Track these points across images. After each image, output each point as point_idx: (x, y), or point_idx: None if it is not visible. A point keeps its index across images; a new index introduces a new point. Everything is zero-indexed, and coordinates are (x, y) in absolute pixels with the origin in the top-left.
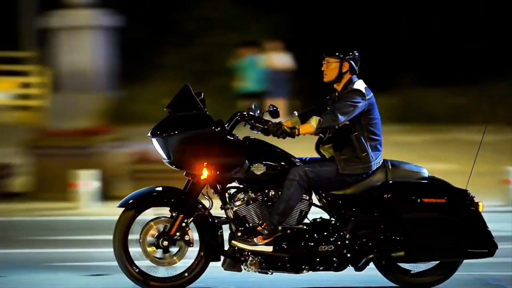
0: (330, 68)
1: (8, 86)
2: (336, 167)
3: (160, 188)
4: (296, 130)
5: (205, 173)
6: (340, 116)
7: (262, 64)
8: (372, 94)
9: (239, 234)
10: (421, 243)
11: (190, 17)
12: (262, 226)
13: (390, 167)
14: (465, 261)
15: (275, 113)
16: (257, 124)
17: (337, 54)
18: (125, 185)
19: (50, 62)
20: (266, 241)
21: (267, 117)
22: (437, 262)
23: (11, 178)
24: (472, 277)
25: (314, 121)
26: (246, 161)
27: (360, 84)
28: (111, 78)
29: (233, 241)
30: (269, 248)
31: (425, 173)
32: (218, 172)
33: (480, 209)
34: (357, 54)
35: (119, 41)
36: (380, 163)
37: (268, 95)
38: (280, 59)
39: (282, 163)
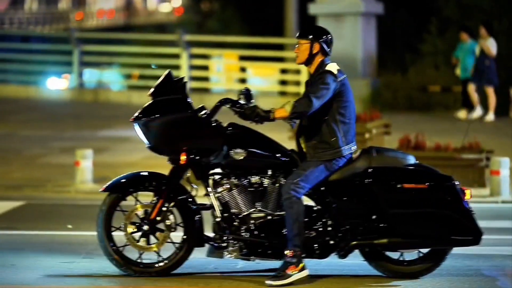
0: (301, 50)
1: (270, 72)
2: (313, 163)
3: (144, 173)
4: (271, 114)
5: (183, 157)
6: (314, 100)
7: (476, 50)
8: (345, 76)
9: (221, 220)
10: (403, 230)
11: (450, 4)
12: (289, 255)
13: (375, 154)
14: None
15: (248, 96)
16: (233, 108)
17: (308, 36)
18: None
19: None
20: (299, 268)
21: (243, 101)
22: (426, 250)
23: None
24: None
25: (288, 106)
26: (225, 146)
27: (332, 66)
28: (372, 65)
29: (267, 281)
30: (305, 273)
31: (411, 160)
32: (197, 157)
33: (467, 197)
34: (330, 37)
35: (379, 28)
36: (353, 148)
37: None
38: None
39: (264, 150)
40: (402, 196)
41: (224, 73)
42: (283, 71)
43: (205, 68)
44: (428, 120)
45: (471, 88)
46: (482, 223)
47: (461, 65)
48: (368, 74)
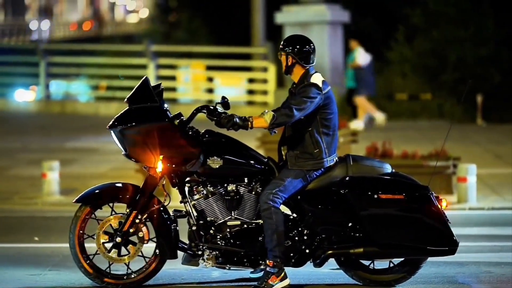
0: (282, 60)
1: (237, 82)
2: (293, 172)
3: (118, 184)
4: (249, 123)
5: (160, 166)
6: (295, 112)
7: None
8: (329, 87)
9: (197, 228)
10: (379, 240)
11: (417, 12)
12: (269, 265)
13: (351, 163)
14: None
15: (225, 105)
16: (210, 117)
17: (284, 47)
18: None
19: (276, 58)
20: (280, 277)
21: (220, 109)
22: (401, 259)
23: None
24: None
25: (268, 116)
26: (202, 155)
27: (317, 78)
28: (339, 74)
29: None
30: (286, 282)
31: (388, 169)
32: (173, 165)
33: (443, 207)
34: (308, 47)
35: (346, 37)
36: (335, 160)
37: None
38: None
39: (241, 158)
40: (378, 206)
41: (192, 83)
42: (250, 81)
43: (173, 78)
44: (396, 128)
45: (357, 98)
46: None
47: (347, 74)
48: (335, 83)
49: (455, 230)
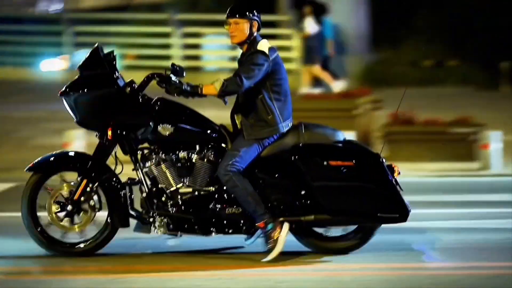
0: (239, 29)
1: None
2: (248, 142)
3: (71, 153)
4: (199, 89)
5: (109, 132)
6: (245, 81)
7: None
8: (277, 53)
9: (149, 195)
10: (328, 207)
11: None
12: (262, 227)
13: (303, 130)
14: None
15: (178, 72)
16: (160, 84)
17: (245, 13)
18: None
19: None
20: (277, 229)
21: (173, 76)
22: (354, 226)
23: None
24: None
25: (218, 84)
26: (151, 122)
27: (263, 45)
28: (366, 40)
29: (264, 260)
30: (286, 228)
31: (340, 136)
32: (123, 132)
33: (395, 174)
34: (259, 13)
35: (373, 3)
36: (290, 125)
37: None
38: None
39: (193, 126)
40: (328, 173)
41: (216, 52)
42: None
43: (197, 47)
44: (420, 95)
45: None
46: (472, 197)
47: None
48: (360, 50)
49: (476, 197)
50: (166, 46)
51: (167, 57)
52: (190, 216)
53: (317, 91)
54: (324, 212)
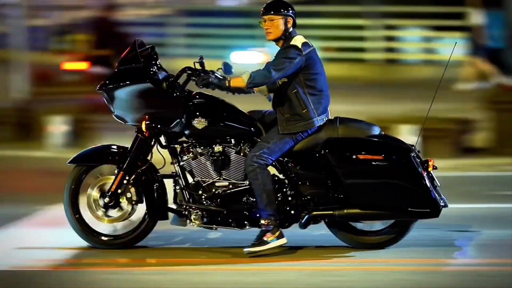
0: (274, 25)
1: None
2: (281, 135)
3: (111, 146)
4: (226, 82)
5: (144, 126)
6: (273, 72)
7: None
8: (312, 48)
9: (185, 189)
10: (359, 202)
11: None
12: (264, 224)
13: (338, 124)
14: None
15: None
16: (191, 78)
17: (281, 10)
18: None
19: None
20: (275, 235)
21: (219, 73)
22: (392, 221)
23: (472, 134)
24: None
25: (246, 76)
26: (183, 116)
27: (298, 40)
28: None
29: (245, 249)
30: (283, 241)
31: (376, 130)
32: (158, 125)
33: (430, 168)
34: (293, 10)
35: None
36: (325, 119)
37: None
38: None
39: (228, 120)
40: (357, 167)
41: (411, 44)
42: None
43: (393, 39)
44: None
45: None
46: None
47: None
48: None
49: None
50: (361, 39)
51: (362, 50)
52: (224, 209)
53: (474, 85)
54: (354, 206)
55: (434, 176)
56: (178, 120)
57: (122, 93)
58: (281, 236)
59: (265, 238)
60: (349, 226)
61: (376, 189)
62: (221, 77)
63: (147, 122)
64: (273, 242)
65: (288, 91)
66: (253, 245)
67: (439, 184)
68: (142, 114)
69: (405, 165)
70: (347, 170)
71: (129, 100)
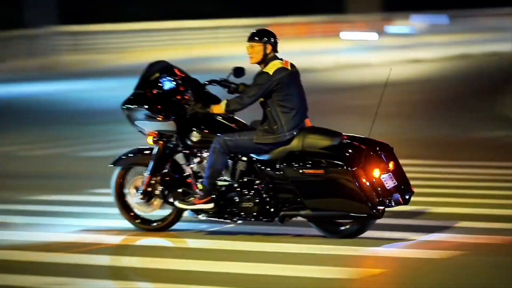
0: (256, 51)
1: None
2: (252, 137)
3: (143, 150)
4: (210, 110)
5: (149, 140)
6: (246, 99)
7: None
8: (285, 73)
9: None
10: (311, 206)
11: None
12: (199, 188)
13: (304, 136)
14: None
15: (238, 73)
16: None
17: (262, 38)
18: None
19: None
20: (202, 201)
21: (231, 77)
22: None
23: None
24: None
25: (223, 104)
26: (179, 133)
27: (273, 66)
28: None
29: (175, 202)
30: (208, 206)
31: (336, 140)
32: (164, 139)
33: (391, 167)
34: (277, 38)
35: None
36: (295, 133)
37: None
38: None
39: (215, 131)
40: (305, 179)
41: None
42: None
43: None
44: None
45: None
46: None
47: None
48: None
49: None
50: None
51: None
52: (221, 205)
53: None
54: (309, 209)
55: (393, 177)
56: (176, 135)
57: (129, 113)
58: (208, 202)
59: (193, 200)
60: (325, 221)
61: (322, 197)
62: (204, 106)
63: (154, 138)
64: (198, 205)
65: (265, 108)
66: (182, 201)
67: (378, 190)
68: (148, 131)
69: (342, 178)
70: (297, 181)
71: (136, 119)
